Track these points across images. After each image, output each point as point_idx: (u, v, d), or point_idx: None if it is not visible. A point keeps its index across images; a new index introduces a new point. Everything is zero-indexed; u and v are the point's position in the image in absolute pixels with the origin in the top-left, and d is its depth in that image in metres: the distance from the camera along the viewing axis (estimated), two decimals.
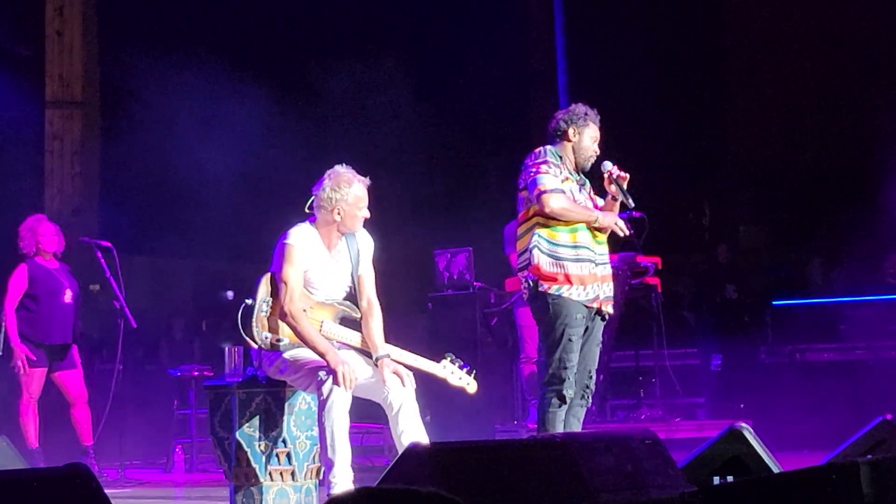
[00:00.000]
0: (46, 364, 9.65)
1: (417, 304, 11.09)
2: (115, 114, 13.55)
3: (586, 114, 7.17)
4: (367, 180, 6.73)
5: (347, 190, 6.65)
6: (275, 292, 6.64)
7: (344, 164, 6.75)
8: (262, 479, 6.77)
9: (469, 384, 6.88)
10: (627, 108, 13.43)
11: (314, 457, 6.82)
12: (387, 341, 6.74)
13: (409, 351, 6.80)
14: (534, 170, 7.02)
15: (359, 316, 6.77)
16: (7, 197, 12.26)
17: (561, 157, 7.12)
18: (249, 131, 14.23)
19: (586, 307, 7.05)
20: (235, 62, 14.21)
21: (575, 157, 7.16)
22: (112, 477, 9.66)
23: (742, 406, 11.37)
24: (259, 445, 6.78)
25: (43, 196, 12.94)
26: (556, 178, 6.98)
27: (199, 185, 14.13)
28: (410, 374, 6.57)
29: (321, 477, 6.76)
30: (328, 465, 6.38)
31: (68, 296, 9.74)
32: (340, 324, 6.76)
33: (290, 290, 6.55)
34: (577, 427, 7.12)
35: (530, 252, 7.06)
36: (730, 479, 5.41)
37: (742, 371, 11.83)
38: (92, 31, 13.33)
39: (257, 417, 6.79)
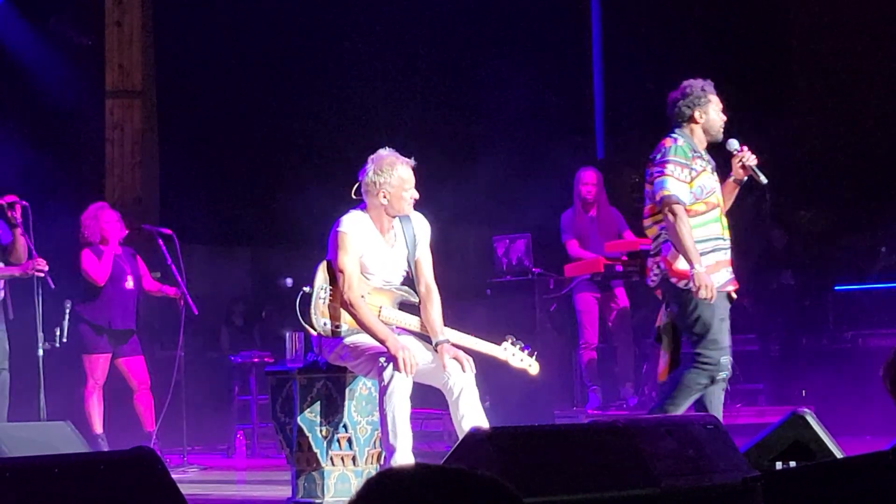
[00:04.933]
0: (110, 350, 9.75)
1: (476, 291, 11.09)
2: (173, 103, 13.63)
3: (703, 89, 7.09)
4: (411, 161, 6.70)
5: (391, 172, 6.63)
6: (332, 279, 6.66)
7: (387, 147, 6.75)
8: (323, 464, 6.80)
9: (531, 366, 6.88)
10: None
11: (375, 442, 6.84)
12: (446, 326, 6.74)
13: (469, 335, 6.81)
14: (659, 169, 6.94)
15: (417, 300, 6.78)
16: (69, 186, 12.38)
17: (691, 144, 7.03)
18: (304, 116, 14.28)
19: (721, 290, 6.99)
20: (291, 51, 14.26)
21: (705, 137, 7.10)
22: (174, 462, 9.74)
23: (803, 392, 11.30)
24: (320, 430, 6.81)
25: (104, 185, 13.05)
26: (682, 183, 6.89)
27: (258, 172, 14.21)
28: (470, 359, 6.57)
29: (382, 462, 6.78)
30: (389, 450, 6.40)
31: (130, 282, 9.84)
32: (399, 309, 6.77)
33: (348, 277, 6.57)
34: (718, 408, 7.04)
35: (661, 244, 7.02)
36: (792, 464, 5.38)
37: (803, 357, 11.75)
38: (150, 20, 13.42)
39: (318, 403, 6.82)
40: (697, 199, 6.94)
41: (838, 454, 5.41)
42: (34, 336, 8.64)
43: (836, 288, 11.97)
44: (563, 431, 5.34)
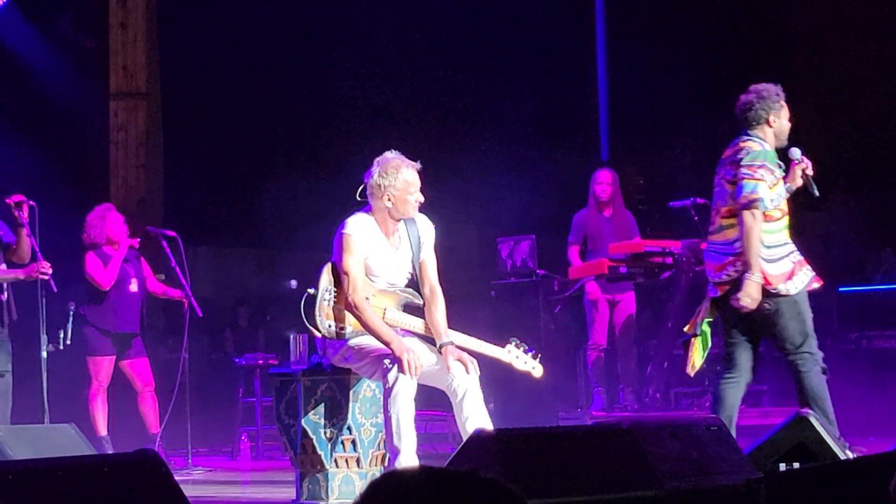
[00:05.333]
0: (114, 352, 9.76)
1: (480, 293, 11.09)
2: (178, 104, 13.64)
3: (777, 94, 7.13)
4: (416, 164, 6.72)
5: (396, 175, 6.64)
6: (337, 281, 6.67)
7: (393, 151, 6.76)
8: (327, 466, 6.81)
9: (534, 368, 6.88)
10: (692, 92, 13.36)
11: (379, 444, 6.85)
12: (450, 328, 6.74)
13: (473, 338, 6.81)
14: (750, 172, 6.92)
15: (421, 302, 6.78)
16: (73, 188, 12.39)
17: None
18: (309, 118, 14.29)
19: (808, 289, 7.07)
20: (296, 52, 14.27)
21: (774, 141, 7.13)
22: (179, 464, 9.74)
23: None
24: (324, 432, 6.82)
25: (108, 187, 13.06)
26: (769, 191, 6.92)
27: (262, 174, 14.22)
28: (474, 360, 6.57)
29: (386, 464, 6.78)
30: (393, 452, 6.40)
31: (134, 285, 9.84)
32: (403, 311, 6.77)
33: (352, 279, 6.57)
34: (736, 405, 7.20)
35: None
36: (796, 465, 5.38)
37: None
38: (154, 22, 13.43)
39: (322, 405, 6.83)
40: (775, 206, 7.00)
41: (842, 455, 5.41)
42: (38, 338, 8.64)
43: (840, 289, 11.95)
44: (567, 433, 5.35)
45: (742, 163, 6.94)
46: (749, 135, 7.05)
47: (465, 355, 6.57)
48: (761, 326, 7.07)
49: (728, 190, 7.02)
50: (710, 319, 7.21)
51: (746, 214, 6.84)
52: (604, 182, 10.73)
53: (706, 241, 7.34)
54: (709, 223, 7.29)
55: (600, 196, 10.71)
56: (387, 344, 6.46)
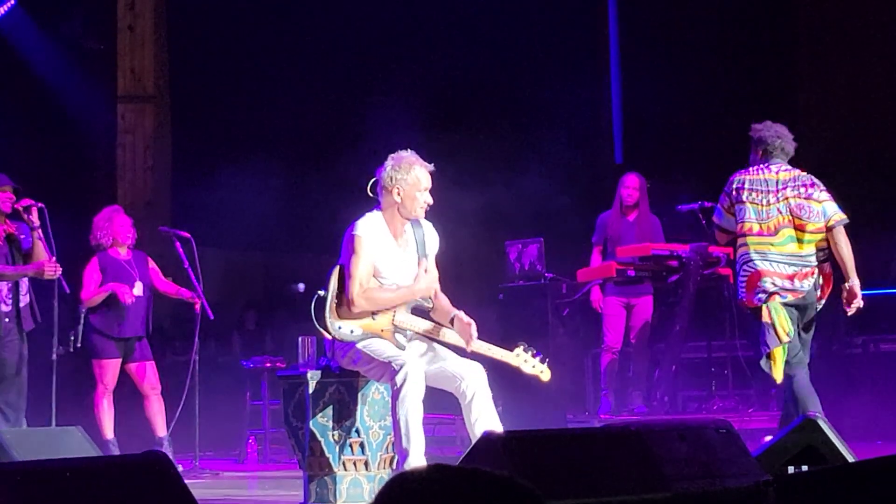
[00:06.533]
0: (119, 355, 9.71)
1: (489, 296, 11.09)
2: (186, 107, 13.65)
3: None
4: (430, 166, 6.76)
5: (409, 171, 6.68)
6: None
7: (409, 150, 6.80)
8: (335, 469, 6.81)
9: (542, 372, 6.88)
10: (695, 97, 13.36)
11: (387, 446, 6.84)
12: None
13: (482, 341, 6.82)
14: (828, 194, 7.67)
15: (430, 306, 6.80)
16: (81, 190, 12.40)
17: None
18: (318, 120, 14.29)
19: None
20: (304, 54, 14.27)
21: None
22: (186, 467, 9.73)
23: None
24: (332, 435, 6.81)
25: (116, 189, 13.08)
26: None
27: (271, 177, 14.23)
28: (473, 322, 6.63)
29: (395, 466, 6.78)
30: (402, 454, 6.40)
31: (139, 288, 9.78)
32: (412, 313, 6.79)
33: (356, 280, 6.59)
34: None
35: (829, 257, 7.72)
36: (804, 468, 5.37)
37: (815, 362, 11.71)
38: (162, 25, 13.46)
39: (331, 407, 6.83)
40: None
41: (850, 459, 5.40)
42: (49, 341, 8.65)
43: None
44: (576, 435, 5.34)
45: (819, 187, 7.68)
46: (786, 163, 7.78)
47: (469, 321, 6.65)
48: (808, 326, 7.86)
49: (815, 208, 7.64)
50: (786, 323, 7.66)
51: (842, 233, 7.63)
52: (630, 186, 10.72)
53: (775, 252, 7.77)
54: (769, 233, 7.75)
55: (626, 200, 10.71)
56: (404, 297, 6.60)
